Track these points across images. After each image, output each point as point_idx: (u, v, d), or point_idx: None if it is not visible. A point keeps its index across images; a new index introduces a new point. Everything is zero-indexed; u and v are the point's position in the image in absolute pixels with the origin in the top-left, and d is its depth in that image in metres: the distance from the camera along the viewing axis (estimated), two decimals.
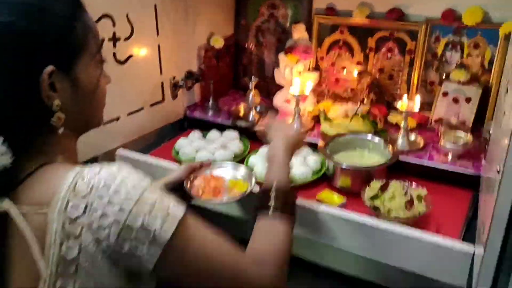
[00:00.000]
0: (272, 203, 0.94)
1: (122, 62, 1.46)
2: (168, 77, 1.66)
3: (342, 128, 1.52)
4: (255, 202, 0.98)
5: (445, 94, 1.53)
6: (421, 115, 1.57)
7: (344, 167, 1.32)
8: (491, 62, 1.50)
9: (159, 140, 1.70)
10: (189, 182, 1.16)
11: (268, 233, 0.90)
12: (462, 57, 1.55)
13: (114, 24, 1.39)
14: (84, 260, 0.66)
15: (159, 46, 1.59)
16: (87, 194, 0.66)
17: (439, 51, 1.58)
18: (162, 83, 1.64)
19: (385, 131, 1.52)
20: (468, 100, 1.49)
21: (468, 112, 1.49)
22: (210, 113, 1.76)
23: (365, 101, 1.65)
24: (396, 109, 1.50)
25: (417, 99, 1.47)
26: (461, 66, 1.55)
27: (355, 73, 1.72)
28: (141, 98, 1.57)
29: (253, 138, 1.59)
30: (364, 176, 1.30)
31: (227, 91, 1.96)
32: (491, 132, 1.24)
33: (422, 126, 1.57)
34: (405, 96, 1.49)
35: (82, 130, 0.82)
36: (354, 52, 1.73)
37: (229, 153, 1.48)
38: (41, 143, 0.74)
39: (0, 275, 0.70)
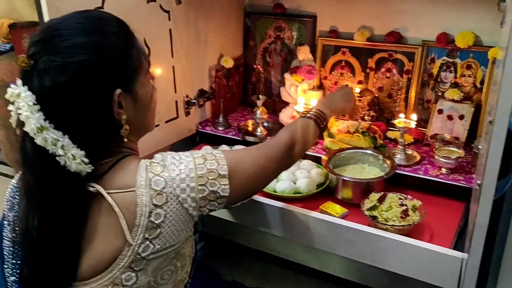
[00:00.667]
0: (309, 112, 1.29)
1: None
2: (182, 95, 1.76)
3: (344, 143, 1.63)
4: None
5: (440, 111, 1.64)
6: (417, 131, 1.67)
7: (346, 180, 1.43)
8: (482, 82, 1.60)
9: None
10: None
11: (297, 122, 1.26)
12: (455, 77, 1.65)
13: None
14: (168, 222, 0.86)
15: (173, 67, 1.70)
16: (162, 171, 0.87)
17: (435, 71, 1.69)
18: (176, 101, 1.75)
19: (384, 146, 1.62)
20: (461, 117, 1.60)
21: (461, 129, 1.59)
22: (221, 128, 1.86)
23: (365, 118, 1.76)
24: (394, 125, 1.60)
25: (414, 116, 1.58)
26: (455, 85, 1.65)
27: (357, 91, 1.82)
28: (157, 116, 1.64)
29: None
30: (364, 188, 1.40)
31: (236, 108, 2.07)
32: (479, 147, 1.34)
33: (419, 141, 1.67)
34: (402, 114, 1.60)
35: (142, 133, 1.02)
36: (355, 72, 1.84)
37: None
38: (114, 149, 0.92)
39: (77, 248, 0.87)
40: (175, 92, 1.73)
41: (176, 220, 0.87)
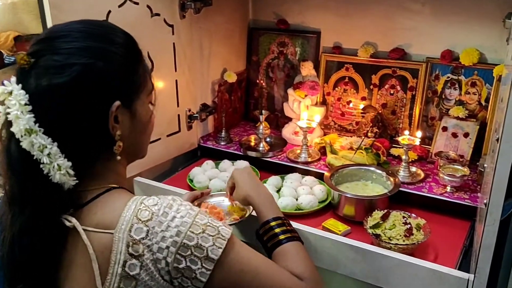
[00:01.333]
0: (281, 236, 1.02)
1: None
2: (184, 109, 1.76)
3: (347, 159, 1.61)
4: (260, 239, 1.06)
5: (444, 129, 1.62)
6: (421, 148, 1.66)
7: (348, 196, 1.40)
8: (487, 100, 1.59)
9: (174, 168, 1.79)
10: None
11: (293, 255, 0.99)
12: (460, 94, 1.64)
13: None
14: (145, 276, 0.76)
15: (176, 81, 1.70)
16: (149, 219, 0.77)
17: (439, 88, 1.68)
18: (179, 115, 1.75)
19: (387, 163, 1.61)
20: (466, 135, 1.58)
21: (466, 147, 1.57)
22: (223, 143, 1.84)
23: (369, 135, 1.74)
24: (398, 142, 1.59)
25: (418, 134, 1.56)
26: (460, 103, 1.64)
27: (361, 107, 1.82)
28: (159, 129, 1.67)
29: (263, 168, 1.69)
30: (367, 205, 1.38)
31: (239, 123, 2.06)
32: (485, 165, 1.32)
33: (423, 159, 1.65)
34: (406, 131, 1.58)
35: (132, 158, 0.93)
36: (359, 88, 1.83)
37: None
38: (101, 168, 0.84)
39: (56, 277, 0.80)
40: (178, 106, 1.73)
41: (153, 276, 0.77)
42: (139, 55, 0.89)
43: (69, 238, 0.80)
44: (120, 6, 1.40)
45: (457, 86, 1.65)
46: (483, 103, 1.60)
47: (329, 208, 1.46)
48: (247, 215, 1.22)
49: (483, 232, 0.91)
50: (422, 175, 1.53)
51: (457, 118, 1.61)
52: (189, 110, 1.78)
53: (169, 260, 0.76)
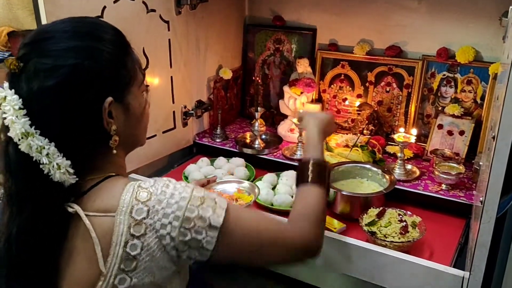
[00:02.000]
0: (309, 175, 1.08)
1: None
2: (180, 106, 1.75)
3: (343, 157, 1.61)
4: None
5: (440, 126, 1.62)
6: (417, 146, 1.66)
7: (344, 194, 1.40)
8: (483, 98, 1.59)
9: (169, 165, 1.79)
10: None
11: (305, 198, 1.05)
12: (456, 92, 1.65)
13: None
14: (145, 256, 0.78)
15: (171, 78, 1.69)
16: (148, 200, 0.79)
17: (435, 86, 1.68)
18: (174, 112, 1.74)
19: (383, 160, 1.61)
20: (461, 133, 1.59)
21: (461, 144, 1.58)
22: (218, 140, 1.84)
23: (364, 132, 1.74)
24: (394, 140, 1.59)
25: (413, 131, 1.57)
26: (455, 100, 1.65)
27: (356, 105, 1.82)
28: (155, 126, 1.66)
29: (259, 165, 1.68)
30: (362, 203, 1.38)
31: (234, 120, 2.05)
32: (480, 163, 1.32)
33: (418, 156, 1.65)
34: (402, 128, 1.58)
35: (130, 149, 0.95)
36: (355, 85, 1.83)
37: (235, 179, 1.57)
38: (100, 161, 0.86)
39: (56, 268, 0.81)
40: (173, 102, 1.72)
41: (153, 255, 0.79)
42: (127, 48, 0.89)
43: (70, 225, 0.81)
44: (115, 1, 1.39)
45: (453, 84, 1.65)
46: (479, 101, 1.61)
47: None
48: (252, 201, 1.26)
49: (479, 229, 0.91)
50: (418, 172, 1.53)
51: (453, 116, 1.61)
52: (185, 107, 1.78)
53: (174, 235, 0.79)
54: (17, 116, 0.77)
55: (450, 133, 1.60)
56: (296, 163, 1.63)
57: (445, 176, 1.43)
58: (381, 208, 1.32)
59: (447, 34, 1.63)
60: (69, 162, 0.80)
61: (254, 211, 0.94)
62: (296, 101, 1.82)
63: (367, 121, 1.75)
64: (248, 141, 1.81)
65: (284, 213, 1.37)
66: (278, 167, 1.65)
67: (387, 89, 1.77)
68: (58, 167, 0.79)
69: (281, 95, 1.91)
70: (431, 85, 1.69)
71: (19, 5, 2.23)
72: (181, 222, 0.79)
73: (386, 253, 1.15)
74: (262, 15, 2.00)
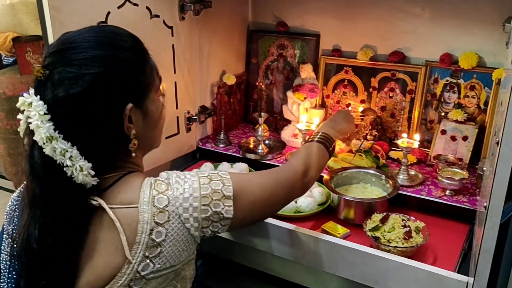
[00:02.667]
0: (316, 136, 1.25)
1: None
2: (183, 111, 1.76)
3: (346, 162, 1.61)
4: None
5: (443, 132, 1.62)
6: (420, 151, 1.66)
7: (347, 199, 1.40)
8: (486, 103, 1.59)
9: (173, 170, 1.79)
10: None
11: (304, 147, 1.22)
12: (459, 97, 1.64)
13: None
14: (169, 241, 0.85)
15: (175, 83, 1.69)
16: (166, 190, 0.87)
17: (438, 91, 1.68)
18: (177, 117, 1.74)
19: (386, 166, 1.61)
20: (465, 138, 1.58)
21: (465, 150, 1.58)
22: (221, 145, 1.84)
23: (368, 137, 1.74)
24: (397, 145, 1.59)
25: (417, 137, 1.57)
26: (459, 106, 1.64)
27: (360, 110, 1.82)
28: None
29: (262, 170, 1.68)
30: (366, 208, 1.38)
31: (238, 125, 2.05)
32: (484, 169, 1.32)
33: (422, 162, 1.65)
34: (405, 134, 1.58)
35: (148, 150, 1.02)
36: (358, 91, 1.83)
37: None
38: (120, 162, 0.93)
39: (76, 263, 0.85)
40: (177, 108, 1.73)
41: (177, 239, 0.86)
42: (145, 55, 0.95)
43: (93, 219, 0.86)
44: (119, 7, 1.40)
45: (456, 89, 1.65)
46: (482, 107, 1.61)
47: (328, 211, 1.46)
48: None
49: (483, 235, 0.91)
50: (421, 178, 1.53)
51: (456, 121, 1.61)
52: (188, 112, 1.78)
53: (196, 215, 0.87)
54: (42, 121, 0.82)
55: (453, 138, 1.60)
56: None
57: (448, 182, 1.43)
58: (384, 213, 1.32)
59: (450, 40, 1.63)
60: (90, 164, 0.84)
61: (253, 172, 1.07)
62: (299, 107, 1.83)
63: (370, 127, 1.75)
64: (251, 146, 1.81)
65: (288, 219, 1.38)
66: None
67: (391, 95, 1.77)
68: (80, 169, 0.83)
69: (284, 101, 1.92)
70: (434, 90, 1.69)
71: (23, 11, 2.25)
72: (200, 201, 0.87)
73: (390, 258, 1.15)
74: (266, 21, 2.01)
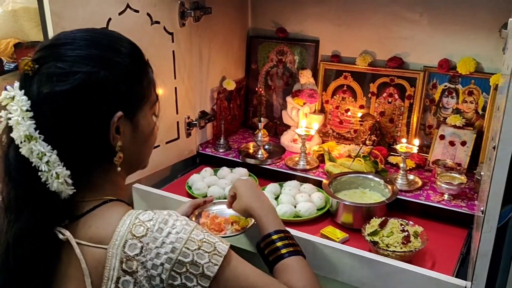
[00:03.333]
0: (283, 250, 0.99)
1: None
2: (183, 116, 1.77)
3: (345, 167, 1.62)
4: (261, 253, 1.03)
5: (442, 137, 1.63)
6: (419, 156, 1.66)
7: (346, 204, 1.41)
8: (484, 109, 1.60)
9: (173, 175, 1.80)
10: (193, 218, 1.24)
11: (295, 270, 0.96)
12: (457, 103, 1.65)
13: None
14: None
15: (175, 88, 1.70)
16: (143, 235, 0.75)
17: (436, 97, 1.69)
18: (178, 122, 1.75)
19: (385, 171, 1.61)
20: (463, 143, 1.59)
21: (463, 155, 1.58)
22: (221, 150, 1.85)
23: (367, 142, 1.75)
24: (396, 150, 1.60)
25: (416, 142, 1.58)
26: (457, 111, 1.65)
27: (359, 116, 1.83)
28: (158, 136, 1.65)
29: (262, 175, 1.69)
30: (365, 213, 1.39)
31: (238, 130, 2.07)
32: (482, 173, 1.33)
33: (421, 167, 1.66)
34: (404, 139, 1.59)
35: (132, 170, 0.91)
36: (357, 96, 1.84)
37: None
38: (100, 179, 0.84)
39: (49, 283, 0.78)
40: (177, 113, 1.74)
41: None
42: (145, 66, 0.87)
43: (63, 250, 0.78)
44: (120, 13, 1.41)
45: (454, 94, 1.66)
46: (480, 112, 1.62)
47: (327, 216, 1.46)
48: (250, 224, 1.20)
49: (480, 239, 0.91)
50: (420, 183, 1.54)
51: (455, 126, 1.62)
52: (188, 117, 1.79)
53: (164, 277, 0.75)
54: (23, 118, 0.74)
55: (452, 143, 1.61)
56: (299, 173, 1.65)
57: (447, 187, 1.44)
58: (383, 218, 1.33)
59: (448, 45, 1.65)
60: (68, 172, 0.77)
61: (254, 268, 0.85)
62: (299, 112, 1.84)
63: (369, 132, 1.76)
64: (251, 151, 1.82)
65: (287, 223, 1.38)
66: (281, 177, 1.66)
67: (389, 100, 1.78)
68: (57, 176, 0.76)
69: (284, 106, 1.93)
70: (433, 96, 1.70)
71: (25, 17, 2.26)
72: (172, 265, 0.75)
73: (388, 262, 1.16)
74: (265, 27, 2.02)
